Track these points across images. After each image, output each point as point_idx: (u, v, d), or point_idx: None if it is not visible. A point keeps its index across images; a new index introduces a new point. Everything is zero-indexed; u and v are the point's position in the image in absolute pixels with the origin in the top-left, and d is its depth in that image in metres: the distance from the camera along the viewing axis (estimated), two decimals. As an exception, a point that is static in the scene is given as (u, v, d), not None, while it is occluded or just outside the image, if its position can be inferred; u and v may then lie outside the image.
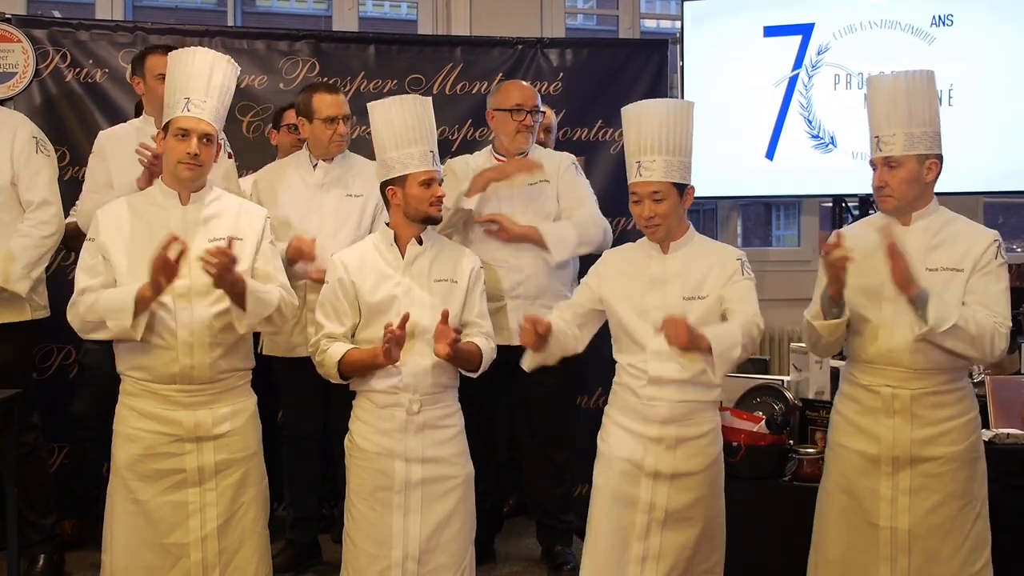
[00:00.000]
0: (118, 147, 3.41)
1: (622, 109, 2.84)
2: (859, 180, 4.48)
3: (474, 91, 4.54)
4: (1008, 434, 3.34)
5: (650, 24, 9.26)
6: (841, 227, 4.72)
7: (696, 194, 2.79)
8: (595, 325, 2.91)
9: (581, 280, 2.97)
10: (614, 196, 3.84)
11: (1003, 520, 2.81)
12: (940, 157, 2.69)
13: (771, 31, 4.65)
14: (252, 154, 4.20)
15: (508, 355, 3.08)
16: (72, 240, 3.60)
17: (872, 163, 2.74)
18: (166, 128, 2.78)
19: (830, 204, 4.91)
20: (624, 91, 4.41)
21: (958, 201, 2.82)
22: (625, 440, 2.77)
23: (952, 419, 2.69)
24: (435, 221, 2.98)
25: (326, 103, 3.56)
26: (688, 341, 2.51)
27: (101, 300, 2.69)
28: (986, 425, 3.27)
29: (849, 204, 4.78)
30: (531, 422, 3.69)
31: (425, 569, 2.88)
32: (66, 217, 3.58)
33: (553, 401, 3.61)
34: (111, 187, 3.36)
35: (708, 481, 2.78)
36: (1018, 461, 3.23)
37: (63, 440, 4.09)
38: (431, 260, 2.95)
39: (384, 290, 2.90)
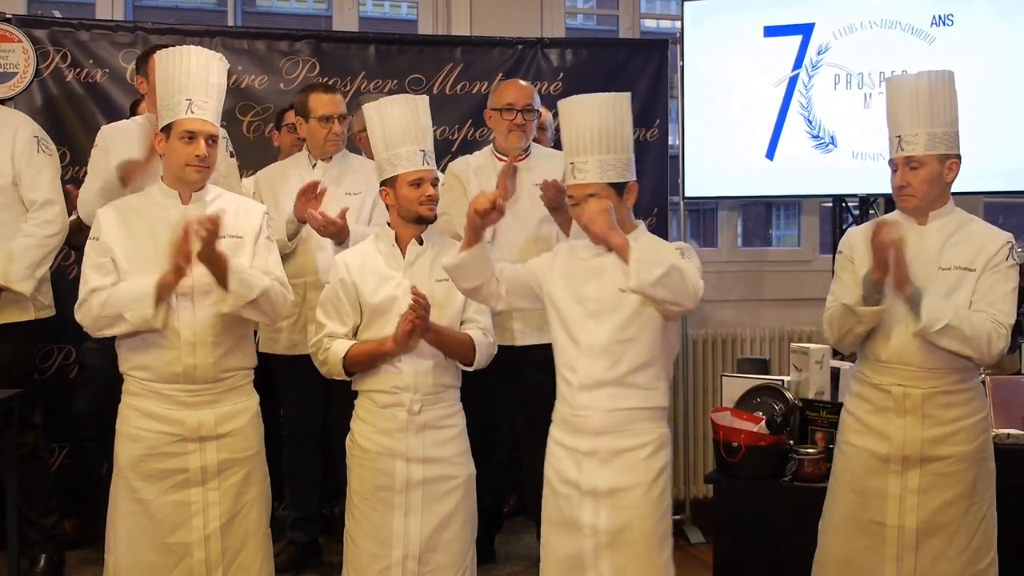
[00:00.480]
0: (120, 141, 3.40)
1: (558, 103, 2.68)
2: (859, 180, 4.50)
3: (474, 91, 4.54)
4: (1008, 434, 3.35)
5: (650, 24, 9.27)
6: (841, 227, 4.79)
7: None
8: (522, 299, 2.76)
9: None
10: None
11: (1003, 520, 2.81)
12: (959, 157, 2.69)
13: (771, 31, 4.64)
14: (252, 154, 4.20)
15: (509, 355, 3.08)
16: (71, 237, 3.60)
17: (892, 163, 2.73)
18: (166, 130, 2.75)
19: (830, 204, 4.90)
20: (624, 91, 4.37)
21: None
22: (561, 458, 2.67)
23: (963, 419, 2.70)
24: (428, 221, 2.94)
25: (322, 102, 3.57)
26: (607, 228, 2.42)
27: (116, 294, 2.68)
28: (986, 425, 3.27)
29: (849, 204, 4.78)
30: (531, 422, 3.68)
31: (426, 569, 2.88)
32: (68, 216, 3.59)
33: (553, 401, 3.59)
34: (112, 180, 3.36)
35: (651, 499, 2.56)
36: (1018, 461, 3.23)
37: (63, 440, 4.10)
38: (432, 260, 2.94)
39: (385, 291, 2.89)
